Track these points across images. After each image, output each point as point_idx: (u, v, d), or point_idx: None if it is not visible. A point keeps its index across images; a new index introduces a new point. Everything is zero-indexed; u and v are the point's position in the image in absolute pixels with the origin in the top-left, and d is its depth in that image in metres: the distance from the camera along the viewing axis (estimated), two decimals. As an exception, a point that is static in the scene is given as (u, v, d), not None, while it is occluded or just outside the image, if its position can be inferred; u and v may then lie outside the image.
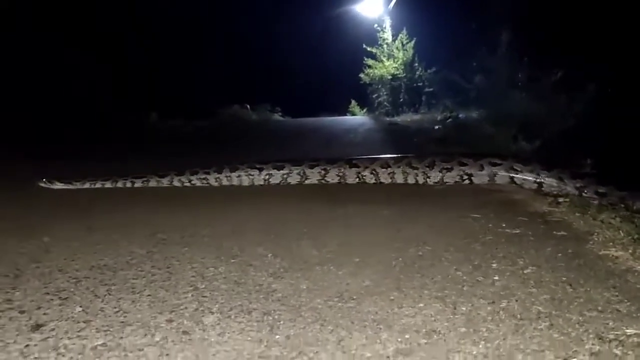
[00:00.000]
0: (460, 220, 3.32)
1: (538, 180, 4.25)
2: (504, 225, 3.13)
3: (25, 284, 2.21)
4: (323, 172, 4.81)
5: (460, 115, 12.96)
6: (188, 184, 4.90)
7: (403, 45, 21.47)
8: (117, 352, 1.58)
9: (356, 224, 3.32)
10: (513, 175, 4.40)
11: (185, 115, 19.13)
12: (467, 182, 4.54)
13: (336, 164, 4.83)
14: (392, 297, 1.99)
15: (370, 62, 22.79)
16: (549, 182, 4.19)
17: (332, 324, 1.76)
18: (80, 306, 1.94)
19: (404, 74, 21.44)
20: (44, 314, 1.88)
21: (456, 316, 1.81)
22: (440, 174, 4.59)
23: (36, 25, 14.66)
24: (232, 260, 2.51)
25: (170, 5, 22.42)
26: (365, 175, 4.74)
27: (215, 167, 4.97)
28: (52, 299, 2.02)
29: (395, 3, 21.59)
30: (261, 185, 4.88)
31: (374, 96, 23.68)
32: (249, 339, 1.66)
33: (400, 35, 21.59)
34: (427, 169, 4.62)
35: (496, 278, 2.20)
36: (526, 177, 4.33)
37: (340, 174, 4.78)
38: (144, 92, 18.84)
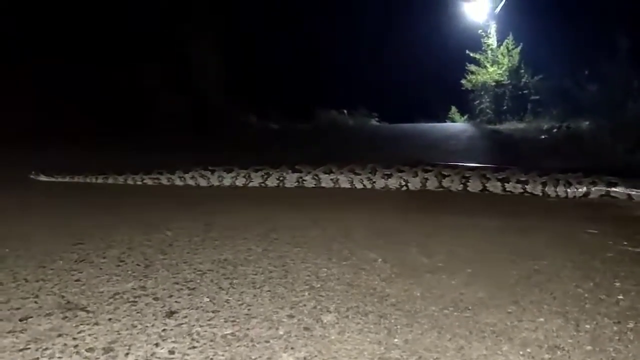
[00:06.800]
0: (574, 235, 3.19)
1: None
2: (625, 242, 2.96)
3: (156, 273, 2.40)
4: (265, 175, 5.00)
5: (569, 125, 12.36)
6: (140, 182, 5.18)
7: (509, 51, 20.79)
8: (245, 342, 1.68)
9: (463, 234, 3.27)
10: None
11: (284, 119, 19.67)
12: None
13: (278, 169, 5.02)
14: (509, 310, 1.96)
15: (472, 68, 22.27)
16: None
17: (450, 332, 1.77)
18: (208, 297, 2.08)
19: (509, 81, 20.74)
20: (176, 302, 2.03)
21: (580, 333, 1.76)
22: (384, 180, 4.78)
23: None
24: (344, 263, 2.57)
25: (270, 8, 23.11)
26: (305, 180, 4.91)
27: (169, 168, 5.25)
28: (181, 289, 2.17)
29: (501, 7, 20.93)
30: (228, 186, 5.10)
31: (475, 103, 23.12)
32: (368, 340, 1.71)
33: (506, 40, 20.93)
34: (370, 174, 4.80)
35: (620, 297, 2.10)
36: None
37: (281, 178, 4.95)
38: (246, 94, 19.56)
